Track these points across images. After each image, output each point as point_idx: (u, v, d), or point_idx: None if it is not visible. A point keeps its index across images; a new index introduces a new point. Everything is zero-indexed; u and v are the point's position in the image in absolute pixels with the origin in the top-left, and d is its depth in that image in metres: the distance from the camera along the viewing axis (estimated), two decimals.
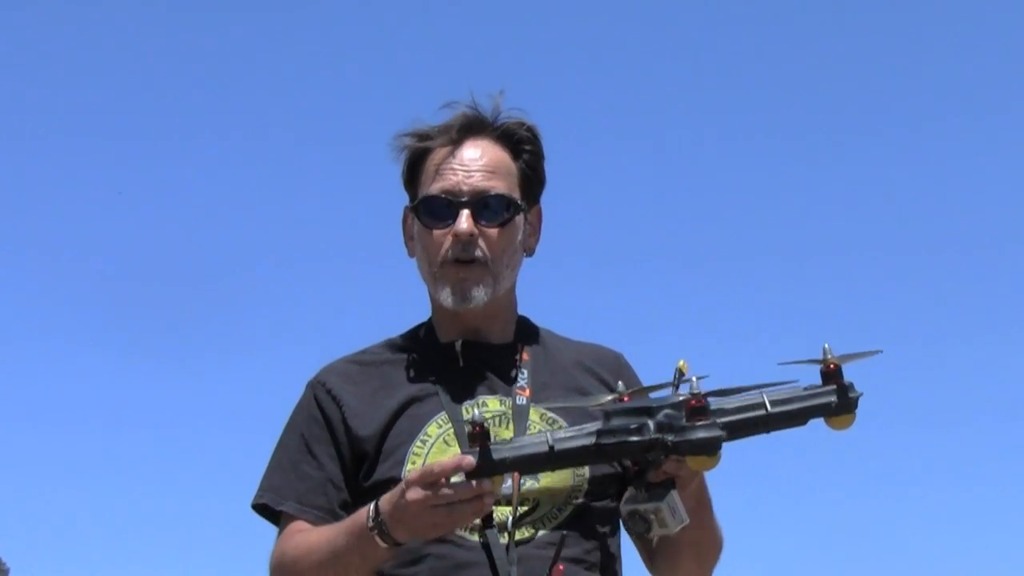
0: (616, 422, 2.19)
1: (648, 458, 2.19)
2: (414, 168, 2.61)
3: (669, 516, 2.22)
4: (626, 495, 2.27)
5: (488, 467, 2.18)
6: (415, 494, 2.22)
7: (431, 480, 2.21)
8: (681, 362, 2.23)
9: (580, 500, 2.46)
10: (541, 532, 2.43)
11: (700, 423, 2.10)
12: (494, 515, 2.40)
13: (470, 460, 2.17)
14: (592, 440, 2.18)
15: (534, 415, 2.50)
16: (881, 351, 2.30)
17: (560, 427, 2.50)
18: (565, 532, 2.41)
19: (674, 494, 2.22)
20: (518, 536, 2.40)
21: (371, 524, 2.31)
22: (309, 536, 2.46)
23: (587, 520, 2.48)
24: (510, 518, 2.40)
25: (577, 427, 2.25)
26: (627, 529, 2.35)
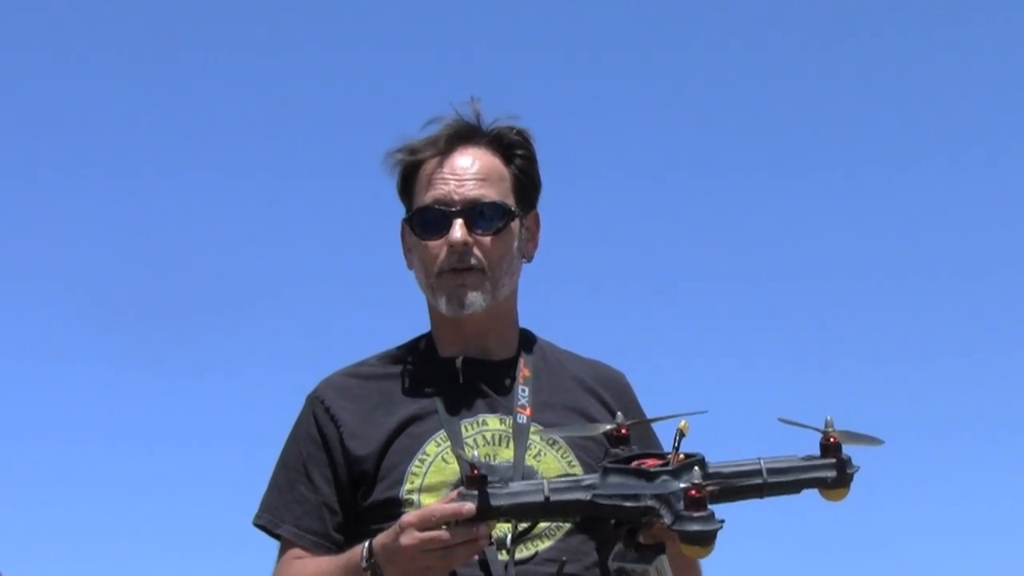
0: (613, 481, 2.18)
1: (642, 521, 2.18)
2: (408, 181, 2.60)
3: None
4: (615, 551, 2.25)
5: (485, 513, 2.17)
6: (410, 538, 2.21)
7: (428, 525, 2.19)
8: (682, 423, 2.21)
9: (579, 517, 2.45)
10: (541, 548, 2.42)
11: (697, 514, 2.09)
12: (493, 531, 2.38)
13: (470, 508, 2.16)
14: (588, 496, 2.18)
15: (534, 434, 2.49)
16: (883, 442, 2.30)
17: (560, 448, 2.50)
18: (565, 559, 2.39)
19: (663, 558, 2.20)
20: (518, 554, 2.38)
21: (364, 564, 2.30)
22: (306, 568, 2.46)
23: (586, 536, 2.46)
24: (509, 535, 2.38)
25: (574, 478, 2.24)
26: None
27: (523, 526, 2.40)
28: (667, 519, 2.11)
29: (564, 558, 2.39)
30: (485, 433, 2.49)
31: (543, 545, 2.43)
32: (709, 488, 2.14)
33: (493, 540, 2.36)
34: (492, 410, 2.52)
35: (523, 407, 2.51)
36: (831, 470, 2.25)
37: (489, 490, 2.16)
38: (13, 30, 9.73)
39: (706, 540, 2.09)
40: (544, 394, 2.56)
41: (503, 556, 2.38)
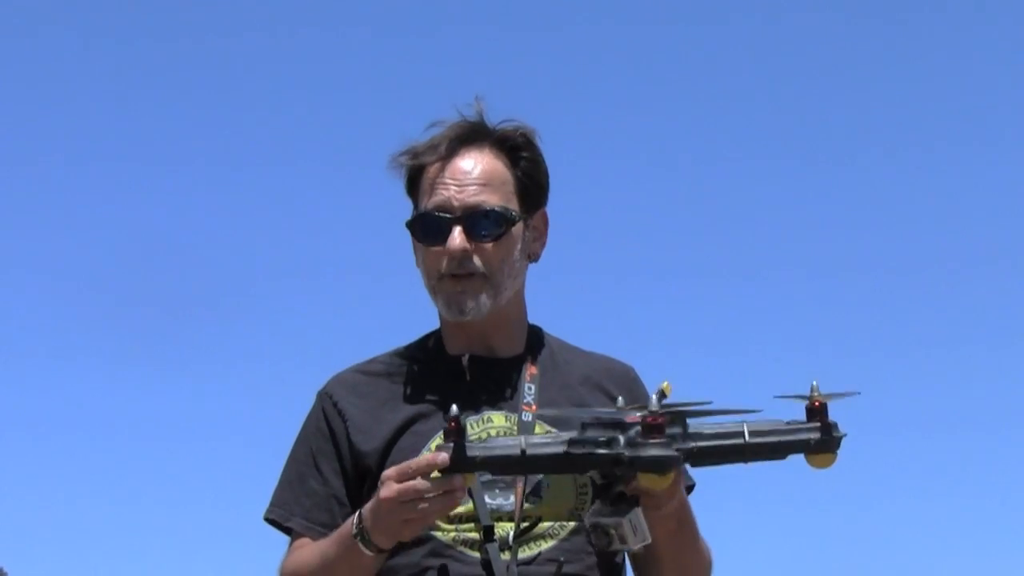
0: (589, 433, 2.20)
1: (616, 472, 2.20)
2: (413, 183, 2.60)
3: (630, 532, 2.22)
4: (592, 507, 2.28)
5: (461, 464, 2.20)
6: (388, 490, 2.25)
7: (406, 476, 2.24)
8: (664, 383, 2.22)
9: (583, 516, 2.45)
10: (543, 548, 2.43)
11: (654, 440, 2.10)
12: (495, 531, 2.40)
13: (444, 457, 2.19)
14: (563, 448, 2.20)
15: (539, 432, 2.48)
16: (859, 393, 2.28)
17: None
18: (563, 559, 2.41)
19: (637, 511, 2.22)
20: (520, 554, 2.40)
21: (355, 531, 2.35)
22: (305, 550, 2.50)
23: (590, 536, 2.45)
24: (511, 533, 2.40)
25: (552, 434, 2.26)
26: (590, 541, 2.38)
27: (525, 524, 2.42)
28: (627, 453, 2.12)
29: (562, 558, 2.41)
30: (490, 430, 2.49)
31: (546, 545, 2.44)
32: (690, 447, 2.15)
33: (496, 538, 2.39)
34: (498, 408, 2.52)
35: (528, 405, 2.51)
36: (816, 433, 2.24)
37: (465, 442, 2.19)
38: (13, 29, 9.74)
39: (663, 467, 2.11)
40: (551, 392, 2.56)
41: (505, 556, 2.40)
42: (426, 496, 2.23)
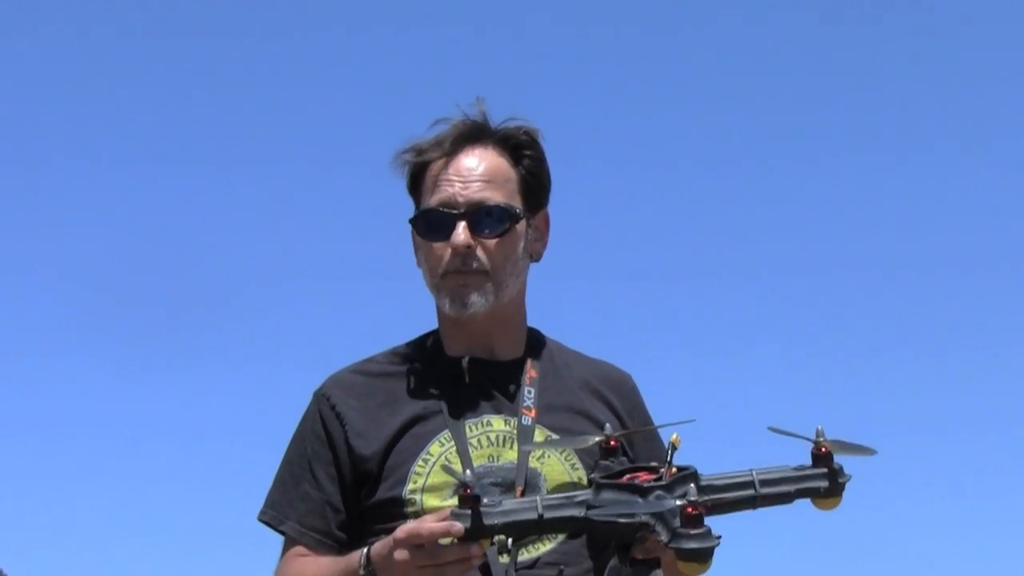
0: (607, 496, 2.19)
1: (636, 536, 2.19)
2: (416, 181, 2.59)
3: None
4: (610, 565, 2.27)
5: (477, 532, 2.18)
6: (402, 555, 2.23)
7: (418, 543, 2.20)
8: (674, 436, 2.23)
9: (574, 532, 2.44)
10: (543, 551, 2.42)
11: (694, 531, 2.09)
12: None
13: (459, 527, 2.17)
14: (582, 513, 2.19)
15: (539, 436, 2.49)
16: (875, 451, 2.30)
17: (563, 449, 2.50)
18: (562, 567, 2.41)
19: (658, 573, 2.23)
20: (520, 557, 2.39)
21: (363, 572, 2.32)
22: (305, 569, 2.47)
23: (590, 538, 2.45)
24: (510, 538, 2.38)
25: (568, 495, 2.24)
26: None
27: None
28: (664, 537, 2.11)
29: (562, 566, 2.41)
30: (489, 434, 2.49)
31: (544, 548, 2.43)
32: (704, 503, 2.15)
33: (495, 542, 2.36)
34: (497, 411, 2.51)
35: (528, 408, 2.51)
36: (823, 480, 2.25)
37: (482, 509, 2.17)
38: (13, 28, 9.73)
39: (704, 557, 2.10)
40: (549, 396, 2.55)
41: (504, 560, 2.39)
42: (441, 563, 2.21)
